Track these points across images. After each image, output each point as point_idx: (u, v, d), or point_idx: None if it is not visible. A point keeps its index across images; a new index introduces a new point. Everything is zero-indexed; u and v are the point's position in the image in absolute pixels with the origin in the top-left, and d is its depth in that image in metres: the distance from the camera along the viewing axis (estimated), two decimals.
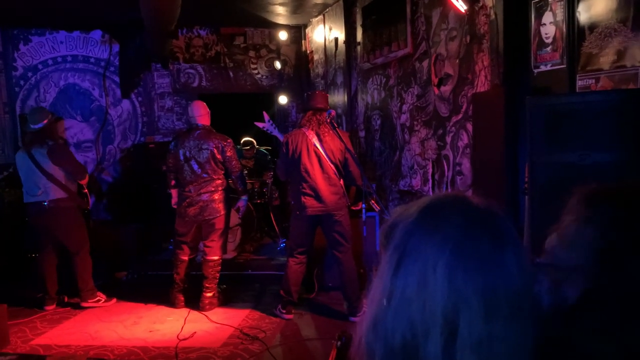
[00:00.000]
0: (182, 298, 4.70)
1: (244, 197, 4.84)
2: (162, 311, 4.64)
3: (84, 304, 4.73)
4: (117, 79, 7.32)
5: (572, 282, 0.91)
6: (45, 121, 4.59)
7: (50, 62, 7.27)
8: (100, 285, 5.01)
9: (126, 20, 6.64)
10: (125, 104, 7.39)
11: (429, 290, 0.69)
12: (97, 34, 7.28)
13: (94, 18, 6.89)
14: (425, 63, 4.43)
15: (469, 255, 0.71)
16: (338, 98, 6.54)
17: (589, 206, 0.94)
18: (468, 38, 3.73)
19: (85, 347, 3.91)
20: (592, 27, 2.69)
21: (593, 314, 0.88)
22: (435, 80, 4.24)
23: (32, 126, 4.60)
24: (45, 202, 4.53)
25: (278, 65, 7.64)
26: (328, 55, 6.79)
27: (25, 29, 7.15)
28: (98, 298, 4.81)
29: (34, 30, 7.18)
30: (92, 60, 7.31)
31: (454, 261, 0.70)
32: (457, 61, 3.91)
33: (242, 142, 6.81)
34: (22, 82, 7.22)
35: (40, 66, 7.25)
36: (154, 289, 5.07)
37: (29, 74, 7.22)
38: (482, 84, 3.58)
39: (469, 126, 3.76)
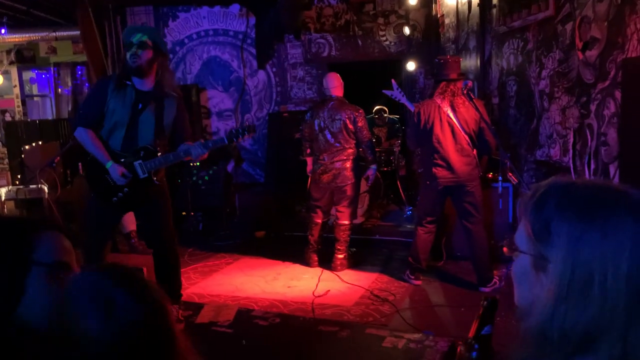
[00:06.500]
0: (316, 258, 5.02)
1: (373, 166, 4.98)
2: (298, 269, 5.00)
3: None
4: (253, 50, 7.77)
5: None
6: None
7: (194, 36, 7.89)
8: (240, 244, 5.50)
9: None
10: (261, 74, 7.83)
11: (609, 292, 0.76)
12: (235, 8, 7.73)
13: None
14: (568, 26, 4.16)
15: None
16: (470, 63, 6.36)
17: None
18: None
19: (232, 297, 4.38)
20: None
21: None
22: (579, 45, 3.98)
23: None
24: None
25: (407, 31, 7.55)
26: (460, 18, 6.59)
27: (173, 7, 7.82)
28: None
29: (181, 7, 7.81)
30: (231, 33, 7.81)
31: (632, 264, 0.75)
32: (606, 24, 3.63)
33: (374, 110, 6.93)
34: (171, 56, 7.94)
35: (186, 40, 7.90)
36: (290, 248, 5.46)
37: (177, 48, 7.92)
38: (634, 49, 3.31)
39: (618, 94, 3.51)
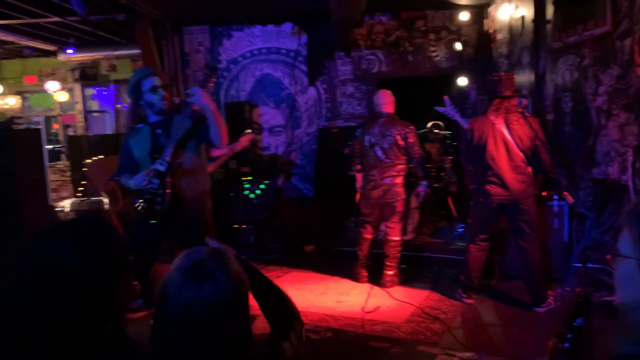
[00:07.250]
0: (365, 273, 5.03)
1: (424, 183, 4.97)
2: (347, 284, 5.03)
3: None
4: (304, 68, 7.92)
5: None
6: None
7: (248, 54, 8.12)
8: (289, 257, 5.55)
9: (312, 11, 7.13)
10: (311, 91, 7.96)
11: None
12: (287, 26, 7.92)
13: (285, 11, 7.53)
14: (627, 42, 4.07)
15: None
16: (523, 79, 6.26)
17: None
18: None
19: None
20: None
21: None
22: (639, 61, 3.89)
23: None
24: None
25: (458, 46, 7.52)
26: (513, 34, 6.51)
27: (227, 26, 8.08)
28: None
29: (235, 26, 8.07)
30: (283, 51, 7.99)
31: None
32: None
33: (429, 125, 6.93)
34: (225, 74, 8.20)
35: (240, 59, 8.14)
36: (339, 263, 5.49)
37: (231, 66, 8.17)
38: None
39: None
